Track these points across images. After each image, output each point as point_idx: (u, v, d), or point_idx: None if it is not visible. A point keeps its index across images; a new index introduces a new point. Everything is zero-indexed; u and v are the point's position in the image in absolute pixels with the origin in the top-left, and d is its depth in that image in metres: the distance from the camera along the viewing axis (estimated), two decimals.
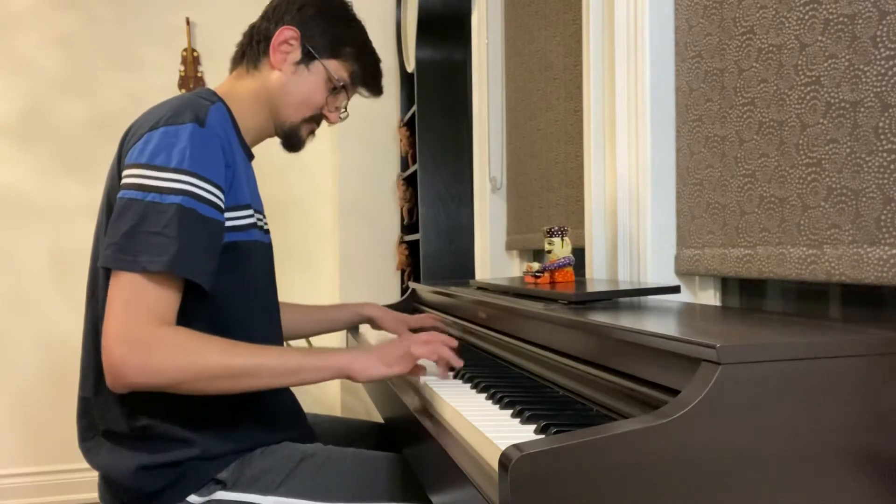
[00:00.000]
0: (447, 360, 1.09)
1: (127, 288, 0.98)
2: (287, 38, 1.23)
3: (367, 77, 1.32)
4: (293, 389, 1.28)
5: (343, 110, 1.34)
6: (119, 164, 1.10)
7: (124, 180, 1.04)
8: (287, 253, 2.92)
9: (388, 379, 1.14)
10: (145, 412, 1.08)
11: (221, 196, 1.07)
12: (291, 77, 1.24)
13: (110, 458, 1.11)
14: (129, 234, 0.99)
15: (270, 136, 1.31)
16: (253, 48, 1.26)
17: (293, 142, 1.30)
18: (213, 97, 1.16)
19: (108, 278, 1.08)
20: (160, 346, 0.97)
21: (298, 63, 1.24)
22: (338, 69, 1.27)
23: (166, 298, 1.00)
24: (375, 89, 1.35)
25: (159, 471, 1.08)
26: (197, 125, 1.06)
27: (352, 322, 1.60)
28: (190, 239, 1.00)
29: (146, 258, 0.97)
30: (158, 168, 1.02)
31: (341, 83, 1.28)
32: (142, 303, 0.97)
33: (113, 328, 0.96)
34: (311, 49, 1.24)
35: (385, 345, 1.10)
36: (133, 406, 1.08)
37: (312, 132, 1.33)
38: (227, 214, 1.10)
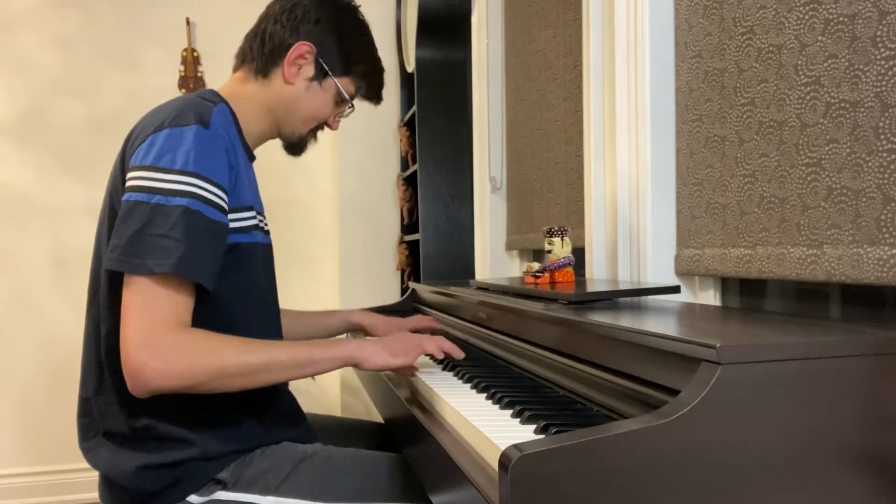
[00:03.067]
0: (450, 352, 1.14)
1: (143, 293, 0.98)
2: (303, 52, 1.23)
3: (372, 91, 1.35)
4: (293, 390, 1.29)
5: (345, 115, 1.36)
6: (122, 166, 1.10)
7: (129, 182, 1.03)
8: (287, 253, 2.92)
9: (392, 371, 1.15)
10: (145, 413, 1.08)
11: (225, 198, 1.07)
12: (303, 93, 1.25)
13: (110, 458, 1.11)
14: (135, 236, 0.99)
15: (273, 138, 1.32)
16: (264, 55, 1.24)
17: (297, 148, 1.33)
18: (216, 98, 1.16)
19: (110, 280, 1.08)
20: (181, 350, 0.97)
21: (311, 79, 1.25)
22: (348, 85, 1.29)
23: (182, 301, 1.00)
24: (378, 99, 1.38)
25: (159, 471, 1.08)
26: (201, 127, 1.06)
27: (341, 329, 1.59)
28: (195, 241, 1.00)
29: (153, 261, 0.97)
30: (164, 170, 1.02)
31: (349, 98, 1.30)
32: (160, 308, 0.98)
33: (132, 335, 0.96)
34: (325, 66, 1.25)
35: (392, 336, 1.15)
36: (133, 406, 1.08)
37: (314, 137, 1.35)
38: (230, 216, 1.10)
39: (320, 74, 1.26)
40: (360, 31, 1.31)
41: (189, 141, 1.04)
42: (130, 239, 0.99)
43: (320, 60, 1.25)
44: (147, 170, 1.02)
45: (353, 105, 1.33)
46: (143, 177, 1.02)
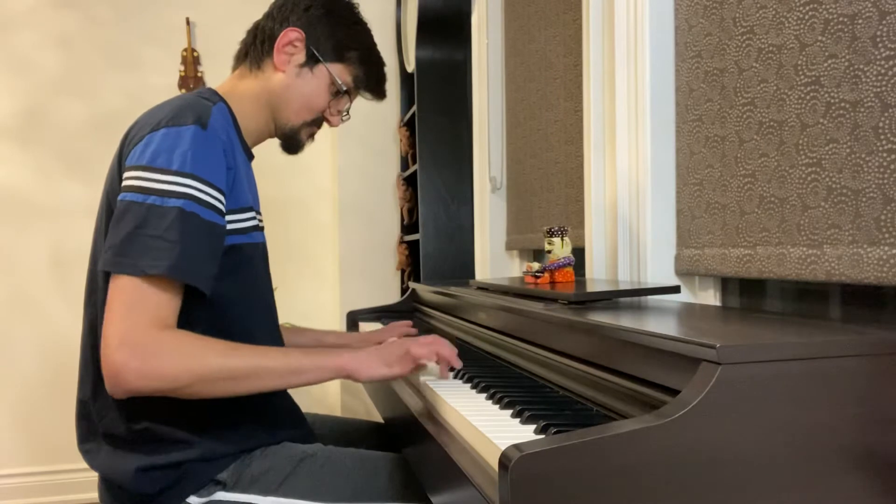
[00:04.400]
0: (447, 359, 1.09)
1: (127, 292, 0.96)
2: (291, 39, 1.22)
3: (371, 82, 1.31)
4: (292, 391, 1.28)
5: (345, 113, 1.33)
6: (119, 165, 1.09)
7: (125, 182, 1.03)
8: (287, 253, 2.92)
9: (387, 380, 1.13)
10: (144, 415, 1.07)
11: (223, 200, 1.06)
12: (294, 80, 1.23)
13: (110, 459, 1.10)
14: (129, 237, 0.98)
15: (271, 136, 1.30)
16: (256, 48, 1.24)
17: (292, 144, 1.30)
18: (215, 97, 1.16)
19: (106, 281, 1.07)
20: (160, 349, 0.95)
21: (302, 66, 1.23)
22: (341, 73, 1.26)
23: (167, 302, 0.98)
24: (379, 93, 1.34)
25: (159, 472, 1.08)
26: (199, 127, 1.04)
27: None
28: (191, 243, 0.99)
29: (146, 262, 0.96)
30: (159, 170, 1.00)
31: (344, 87, 1.27)
32: (142, 307, 0.96)
33: (113, 333, 0.95)
34: (315, 52, 1.23)
35: (385, 345, 1.11)
36: (132, 409, 1.08)
37: (312, 135, 1.32)
38: (228, 217, 1.09)
39: (311, 61, 1.23)
40: (352, 19, 1.29)
41: (186, 141, 1.02)
42: (124, 239, 0.98)
43: (311, 47, 1.23)
44: (143, 170, 1.01)
45: (348, 93, 1.28)
46: (139, 177, 1.01)
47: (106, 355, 0.94)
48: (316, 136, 1.34)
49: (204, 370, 0.97)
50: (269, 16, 1.26)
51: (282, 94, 1.23)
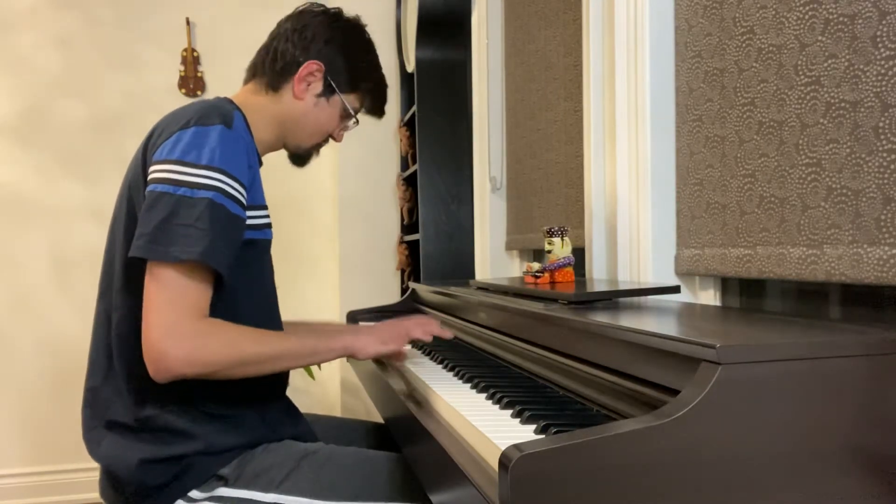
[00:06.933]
0: (437, 334, 1.27)
1: (165, 281, 1.03)
2: (312, 70, 1.28)
3: (376, 107, 1.41)
4: (291, 390, 1.30)
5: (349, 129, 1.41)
6: (144, 159, 1.14)
7: (154, 175, 1.08)
8: (287, 253, 2.92)
9: (385, 358, 1.30)
10: (151, 402, 1.11)
11: (245, 195, 1.12)
12: (311, 108, 1.30)
13: (113, 450, 1.12)
14: (161, 225, 1.03)
15: (277, 150, 1.37)
16: (275, 71, 1.28)
17: (302, 160, 1.39)
18: (232, 105, 1.21)
19: (126, 268, 1.12)
20: (203, 338, 1.03)
21: (319, 95, 1.30)
22: (353, 101, 1.35)
23: (203, 291, 1.06)
24: (382, 114, 1.44)
25: (161, 465, 1.09)
26: (225, 127, 1.11)
27: None
28: (219, 233, 1.05)
29: (178, 249, 1.02)
30: (190, 164, 1.06)
31: (355, 115, 1.36)
32: (183, 297, 1.03)
33: (156, 322, 1.01)
34: (332, 83, 1.30)
35: (382, 324, 1.27)
36: (139, 394, 1.11)
37: (318, 150, 1.40)
38: (248, 213, 1.14)
39: (328, 91, 1.30)
40: (366, 50, 1.37)
41: (214, 139, 1.09)
42: (156, 228, 1.03)
43: (328, 78, 1.30)
44: (173, 163, 1.07)
45: (357, 120, 1.37)
46: (169, 170, 1.06)
47: (149, 344, 1.01)
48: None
49: (241, 356, 1.06)
50: (286, 38, 1.29)
51: (299, 119, 1.31)
